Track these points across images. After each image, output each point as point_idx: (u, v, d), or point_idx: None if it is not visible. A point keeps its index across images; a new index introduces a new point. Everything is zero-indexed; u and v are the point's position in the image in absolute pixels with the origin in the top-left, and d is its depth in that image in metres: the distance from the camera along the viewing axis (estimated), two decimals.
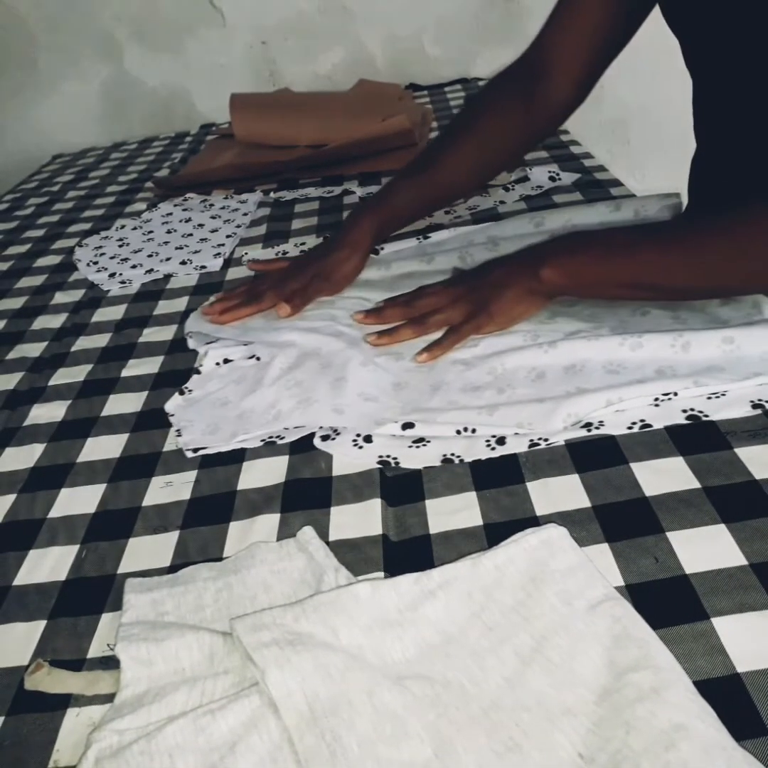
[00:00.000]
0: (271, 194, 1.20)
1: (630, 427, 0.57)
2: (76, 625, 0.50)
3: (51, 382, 0.78)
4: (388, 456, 0.59)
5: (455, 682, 0.41)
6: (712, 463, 0.53)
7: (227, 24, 1.67)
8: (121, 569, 0.54)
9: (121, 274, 1.00)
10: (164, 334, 0.84)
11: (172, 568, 0.53)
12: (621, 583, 0.46)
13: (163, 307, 0.91)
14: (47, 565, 0.55)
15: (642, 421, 0.57)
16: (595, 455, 0.56)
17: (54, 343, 0.87)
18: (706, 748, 0.35)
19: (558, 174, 1.06)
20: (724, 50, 0.70)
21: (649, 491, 0.52)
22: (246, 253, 1.00)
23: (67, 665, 0.47)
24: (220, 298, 0.86)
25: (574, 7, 0.82)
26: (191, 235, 1.09)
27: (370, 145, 1.24)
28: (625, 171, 1.02)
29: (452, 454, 0.58)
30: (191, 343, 0.80)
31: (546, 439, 0.57)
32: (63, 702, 0.45)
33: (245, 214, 1.13)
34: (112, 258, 1.06)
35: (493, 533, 0.51)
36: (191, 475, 0.61)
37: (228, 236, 1.07)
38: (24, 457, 0.67)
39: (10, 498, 0.63)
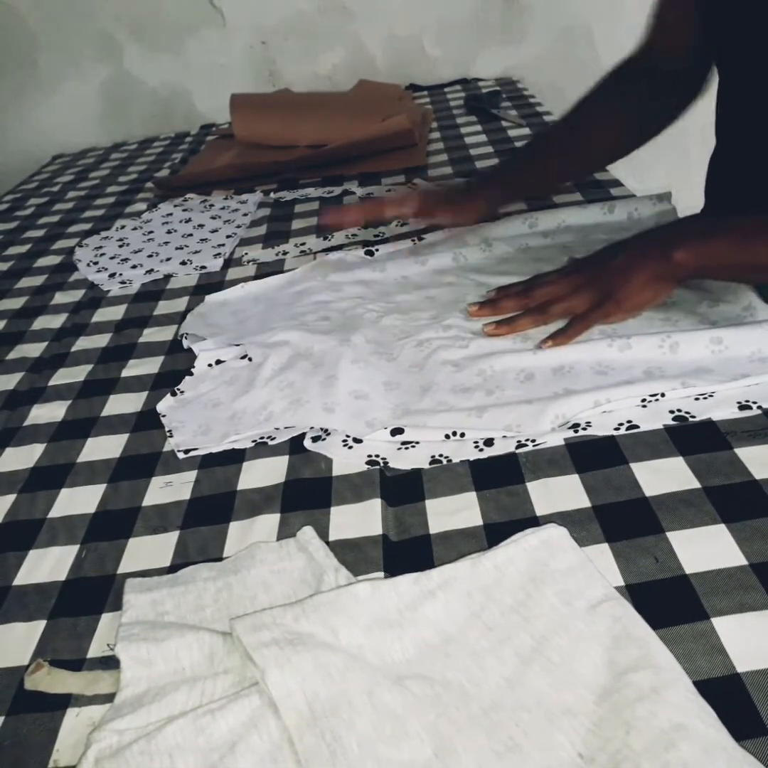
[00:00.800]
0: (272, 194, 1.20)
1: (617, 428, 0.57)
2: (76, 625, 0.50)
3: (51, 383, 0.78)
4: (377, 456, 0.59)
5: (455, 682, 0.41)
6: (712, 463, 0.53)
7: (227, 24, 1.67)
8: (121, 569, 0.54)
9: (121, 275, 1.00)
10: (164, 334, 0.84)
11: (172, 568, 0.53)
12: (621, 583, 0.46)
13: (163, 307, 0.91)
14: (47, 565, 0.55)
15: (629, 421, 0.57)
16: (595, 455, 0.56)
17: (54, 344, 0.87)
18: (706, 748, 0.35)
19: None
20: (760, 46, 0.69)
21: (649, 491, 0.52)
22: (246, 253, 1.00)
23: (67, 665, 0.47)
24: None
25: None
26: (191, 235, 1.09)
27: (370, 146, 1.24)
28: (624, 171, 1.01)
29: (441, 455, 0.58)
30: (186, 344, 0.80)
31: (533, 440, 0.57)
32: (63, 702, 0.45)
33: (245, 215, 1.13)
34: (112, 258, 1.06)
35: (493, 533, 0.51)
36: (191, 475, 0.61)
37: (228, 236, 1.07)
38: (24, 457, 0.67)
39: (10, 498, 0.63)
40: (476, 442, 0.59)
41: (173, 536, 0.56)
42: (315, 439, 0.62)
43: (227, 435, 0.64)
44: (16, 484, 0.64)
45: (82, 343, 0.85)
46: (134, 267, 1.01)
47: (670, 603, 0.44)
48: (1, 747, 0.43)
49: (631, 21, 1.62)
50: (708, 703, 0.37)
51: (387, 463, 0.59)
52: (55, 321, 0.92)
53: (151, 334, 0.84)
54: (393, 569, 0.49)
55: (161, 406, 0.70)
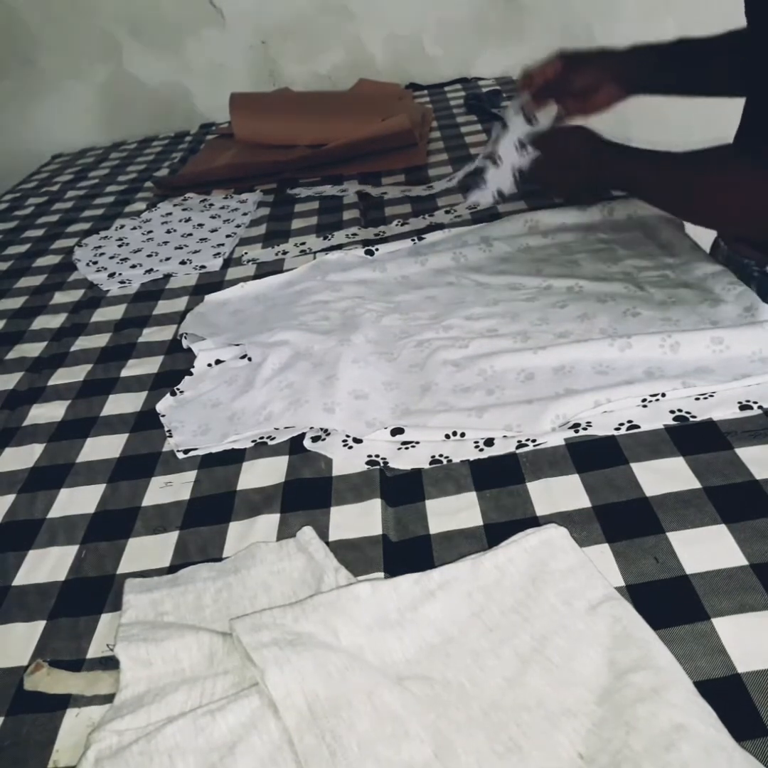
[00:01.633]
0: (289, 191, 1.19)
1: (617, 428, 0.57)
2: (76, 625, 0.50)
3: (50, 382, 0.78)
4: (377, 456, 0.59)
5: (455, 683, 0.41)
6: (712, 464, 0.53)
7: (227, 24, 1.67)
8: (121, 569, 0.54)
9: (120, 274, 1.00)
10: (164, 334, 0.84)
11: (172, 569, 0.53)
12: (621, 583, 0.46)
13: (163, 307, 0.90)
14: (47, 565, 0.55)
15: (630, 421, 0.57)
16: (595, 455, 0.56)
17: (53, 343, 0.87)
18: (707, 749, 0.35)
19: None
20: None
21: (649, 491, 0.52)
22: (246, 253, 1.00)
23: (66, 665, 0.47)
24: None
25: None
26: (191, 234, 1.09)
27: (370, 145, 1.24)
28: None
29: (441, 455, 0.58)
30: (186, 344, 0.80)
31: (534, 440, 0.57)
32: (62, 702, 0.45)
33: (245, 214, 1.13)
34: (111, 258, 1.06)
35: (493, 533, 0.51)
36: (191, 475, 0.61)
37: (228, 236, 1.07)
38: (24, 457, 0.67)
39: (10, 498, 0.63)
40: (476, 442, 0.58)
41: (173, 536, 0.56)
42: (315, 439, 0.62)
43: (227, 435, 0.64)
44: (15, 484, 0.64)
45: (82, 342, 0.85)
46: (134, 266, 1.01)
47: (670, 603, 0.44)
48: (1, 747, 0.43)
49: (630, 20, 1.62)
50: (708, 703, 0.37)
51: (387, 463, 0.59)
52: (55, 321, 0.92)
53: (150, 334, 0.84)
54: (393, 569, 0.49)
55: (161, 406, 0.70)
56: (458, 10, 1.67)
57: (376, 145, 1.24)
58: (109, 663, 0.46)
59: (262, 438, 0.63)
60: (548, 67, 0.85)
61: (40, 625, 0.50)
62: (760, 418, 0.56)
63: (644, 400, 0.59)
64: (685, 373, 0.61)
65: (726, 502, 0.50)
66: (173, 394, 0.71)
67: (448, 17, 1.67)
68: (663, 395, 0.58)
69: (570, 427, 0.58)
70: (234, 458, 0.62)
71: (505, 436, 0.58)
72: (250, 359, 0.74)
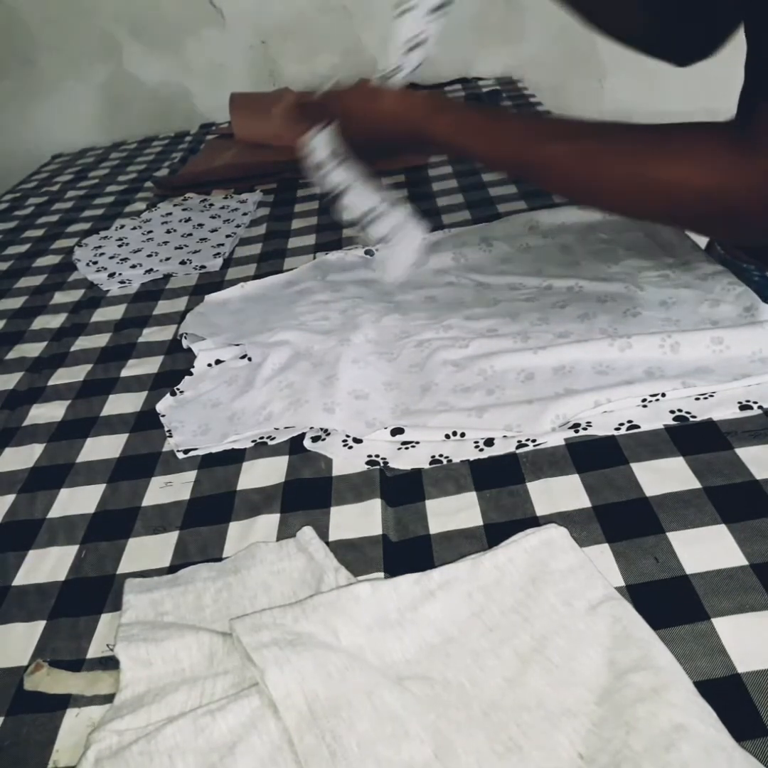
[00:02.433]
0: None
1: (617, 428, 0.57)
2: (76, 625, 0.50)
3: (50, 382, 0.78)
4: (377, 456, 0.59)
5: (455, 683, 0.41)
6: (712, 463, 0.53)
7: (227, 24, 1.67)
8: (121, 569, 0.54)
9: (120, 274, 1.00)
10: (164, 334, 0.84)
11: (172, 569, 0.53)
12: (621, 583, 0.45)
13: (163, 307, 0.90)
14: (47, 565, 0.55)
15: (630, 421, 0.57)
16: (595, 455, 0.56)
17: (53, 343, 0.87)
18: (707, 749, 0.35)
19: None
20: None
21: (649, 491, 0.52)
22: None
23: (66, 665, 0.47)
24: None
25: None
26: (191, 234, 1.09)
27: None
28: None
29: (441, 455, 0.58)
30: (186, 344, 0.80)
31: (534, 440, 0.57)
32: (62, 702, 0.45)
33: (245, 214, 1.13)
34: (111, 258, 1.06)
35: (494, 533, 0.51)
36: (191, 475, 0.61)
37: (228, 236, 1.07)
38: (23, 457, 0.67)
39: (10, 498, 0.63)
40: (476, 442, 0.58)
41: (173, 536, 0.56)
42: (315, 439, 0.62)
43: (227, 435, 0.64)
44: (15, 484, 0.64)
45: (82, 342, 0.85)
46: (133, 266, 1.01)
47: (670, 603, 0.44)
48: (1, 747, 0.43)
49: None
50: (708, 703, 0.37)
51: (387, 463, 0.59)
52: (55, 321, 0.92)
53: (150, 334, 0.84)
54: (393, 570, 0.49)
55: (161, 406, 0.70)
56: (458, 9, 1.66)
57: None
58: (109, 663, 0.46)
59: (262, 438, 0.63)
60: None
61: (40, 625, 0.50)
62: (761, 418, 0.56)
63: (644, 400, 0.59)
64: (685, 373, 0.61)
65: (726, 502, 0.50)
66: (173, 394, 0.71)
67: (448, 17, 1.67)
68: (663, 395, 0.58)
69: (570, 427, 0.58)
70: (234, 458, 0.62)
71: (505, 436, 0.58)
72: (250, 359, 0.74)
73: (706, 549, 0.47)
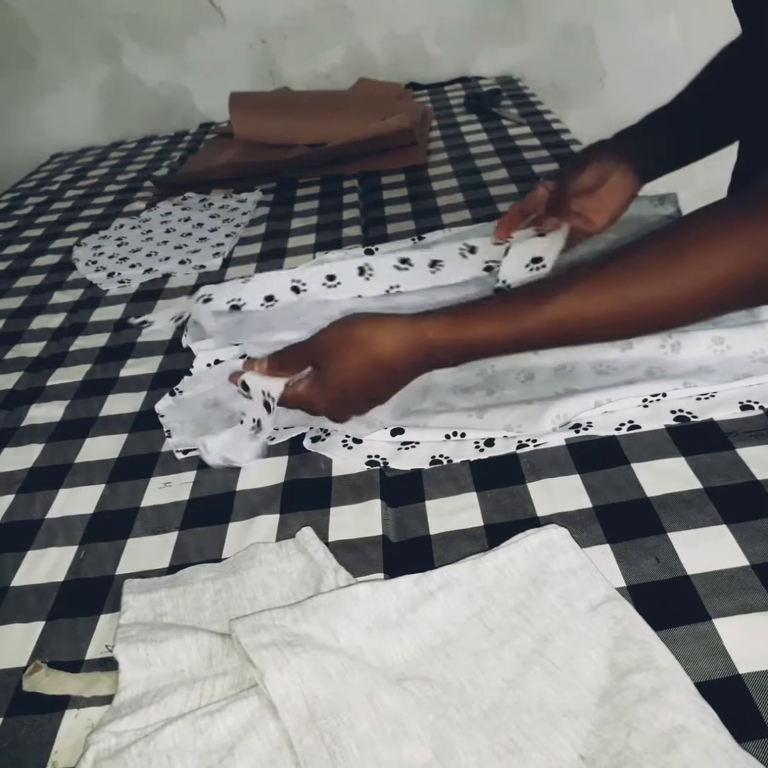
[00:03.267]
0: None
1: (618, 428, 0.57)
2: (75, 626, 0.50)
3: (49, 382, 0.78)
4: (377, 456, 0.59)
5: (455, 684, 0.41)
6: (713, 464, 0.53)
7: (227, 23, 1.67)
8: (120, 570, 0.53)
9: (119, 274, 1.00)
10: (163, 333, 0.83)
11: (171, 569, 0.53)
12: (622, 584, 0.45)
13: (162, 306, 0.90)
14: (46, 565, 0.55)
15: (631, 422, 0.57)
16: (596, 456, 0.55)
17: (52, 343, 0.86)
18: (708, 750, 0.34)
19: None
20: None
21: (650, 492, 0.51)
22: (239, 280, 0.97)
23: (65, 666, 0.47)
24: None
25: None
26: (190, 234, 1.09)
27: (369, 144, 1.24)
28: None
29: (441, 456, 0.58)
30: (185, 343, 0.79)
31: (534, 441, 0.57)
32: (61, 703, 0.45)
33: (244, 214, 1.13)
34: (110, 257, 1.06)
35: (494, 534, 0.50)
36: (190, 476, 0.61)
37: (227, 235, 1.06)
38: (22, 457, 0.67)
39: (9, 498, 0.62)
40: (477, 443, 0.58)
41: (172, 537, 0.56)
42: (315, 439, 0.62)
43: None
44: (14, 484, 0.64)
45: (81, 342, 0.85)
46: (133, 266, 1.01)
47: (671, 604, 0.44)
48: (0, 748, 0.43)
49: (631, 20, 1.62)
50: (709, 704, 0.37)
51: (387, 463, 0.59)
52: (54, 320, 0.92)
53: (149, 334, 0.84)
54: (393, 570, 0.49)
55: (160, 406, 0.70)
56: (458, 9, 1.67)
57: (375, 145, 1.24)
58: (108, 664, 0.46)
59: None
60: (538, 192, 0.75)
61: (38, 625, 0.50)
62: (761, 418, 0.56)
63: (645, 400, 0.58)
64: (686, 373, 0.60)
65: (727, 502, 0.49)
66: (172, 394, 0.71)
67: (449, 16, 1.67)
68: (664, 395, 0.58)
69: (571, 428, 0.58)
70: None
71: (505, 437, 0.58)
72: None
73: (707, 549, 0.46)
